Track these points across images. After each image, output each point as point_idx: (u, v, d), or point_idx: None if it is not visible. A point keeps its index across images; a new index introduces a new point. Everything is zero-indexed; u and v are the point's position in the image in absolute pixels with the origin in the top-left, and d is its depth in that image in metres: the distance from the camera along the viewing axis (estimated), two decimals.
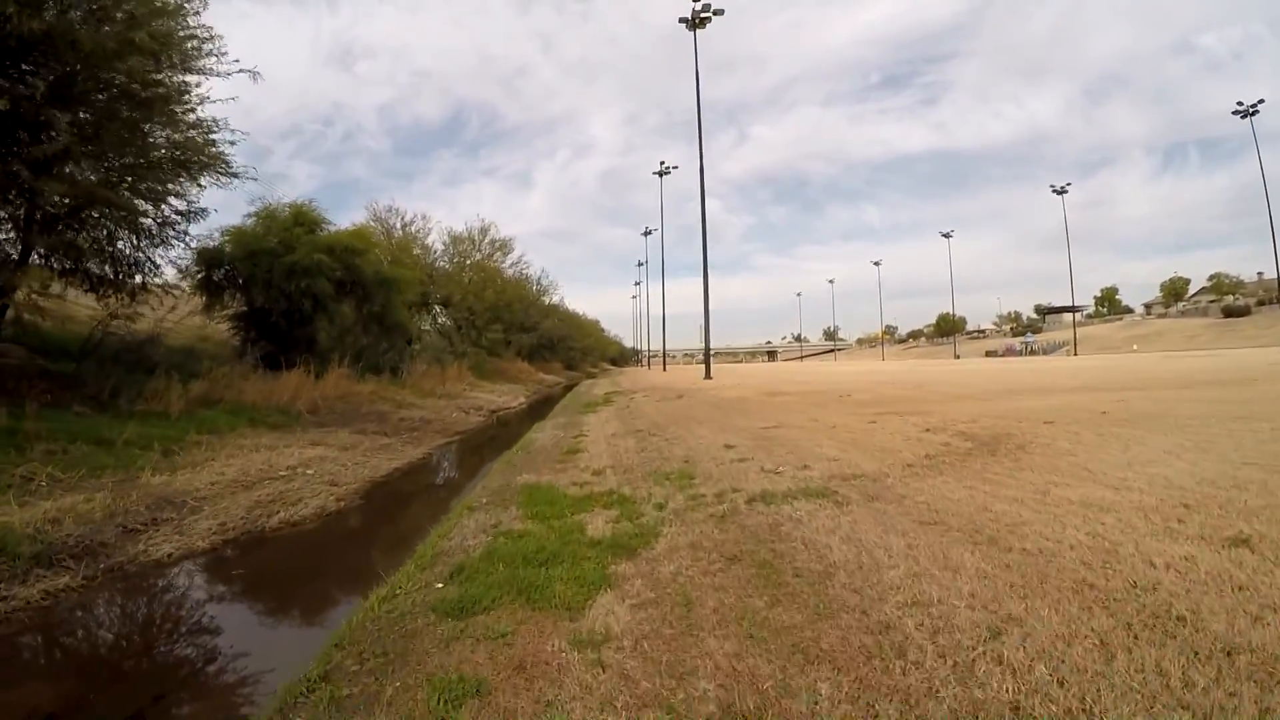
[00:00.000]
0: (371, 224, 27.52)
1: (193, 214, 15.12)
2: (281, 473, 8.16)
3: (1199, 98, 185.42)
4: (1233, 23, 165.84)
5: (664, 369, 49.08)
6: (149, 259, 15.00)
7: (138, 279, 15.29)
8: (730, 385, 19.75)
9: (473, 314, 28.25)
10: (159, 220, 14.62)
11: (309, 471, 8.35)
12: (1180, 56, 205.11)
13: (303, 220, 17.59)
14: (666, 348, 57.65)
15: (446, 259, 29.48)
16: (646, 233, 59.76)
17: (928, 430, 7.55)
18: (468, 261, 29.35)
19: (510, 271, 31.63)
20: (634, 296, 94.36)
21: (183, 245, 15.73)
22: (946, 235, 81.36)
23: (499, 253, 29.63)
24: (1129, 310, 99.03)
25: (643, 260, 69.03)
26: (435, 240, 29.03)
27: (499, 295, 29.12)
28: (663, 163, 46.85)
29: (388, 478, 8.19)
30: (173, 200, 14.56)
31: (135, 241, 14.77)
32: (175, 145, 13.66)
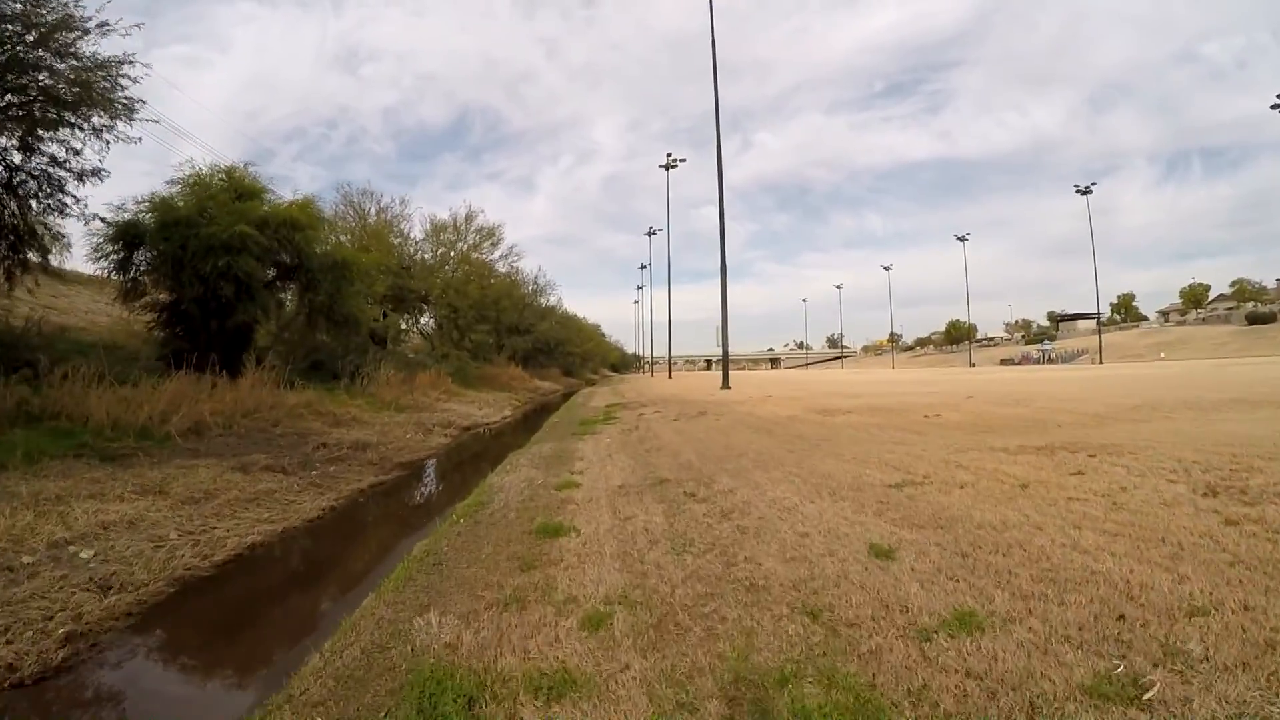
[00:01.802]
0: (343, 208, 24.00)
1: (89, 173, 12.06)
2: (29, 557, 4.55)
3: (1202, 106, 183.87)
4: (1236, 31, 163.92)
5: (669, 377, 45.41)
6: (28, 227, 11.77)
7: (19, 255, 12.10)
8: (758, 397, 16.11)
9: (455, 312, 24.55)
10: (38, 176, 11.41)
11: (85, 554, 4.74)
12: (1183, 65, 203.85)
13: (239, 188, 14.14)
14: (662, 353, 53.91)
15: (429, 249, 25.86)
16: (650, 233, 56.42)
17: (1211, 493, 3.95)
18: (451, 253, 25.68)
19: (501, 265, 27.92)
20: (635, 302, 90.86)
21: (79, 214, 12.58)
22: (962, 239, 78.01)
23: (487, 242, 25.89)
24: (1144, 318, 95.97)
25: (645, 263, 65.65)
26: (416, 229, 25.44)
27: (485, 291, 25.39)
28: (669, 154, 43.46)
29: (216, 573, 4.55)
30: (51, 148, 11.44)
31: (17, 208, 11.59)
32: (56, 75, 10.59)
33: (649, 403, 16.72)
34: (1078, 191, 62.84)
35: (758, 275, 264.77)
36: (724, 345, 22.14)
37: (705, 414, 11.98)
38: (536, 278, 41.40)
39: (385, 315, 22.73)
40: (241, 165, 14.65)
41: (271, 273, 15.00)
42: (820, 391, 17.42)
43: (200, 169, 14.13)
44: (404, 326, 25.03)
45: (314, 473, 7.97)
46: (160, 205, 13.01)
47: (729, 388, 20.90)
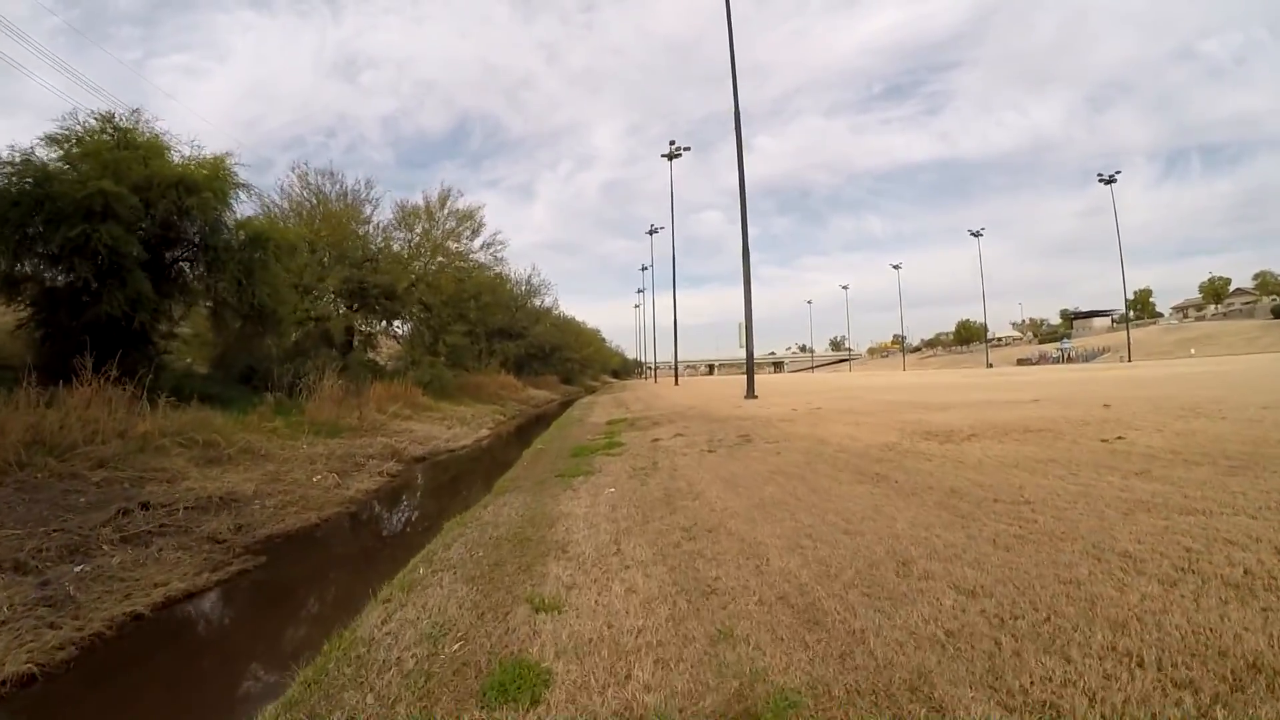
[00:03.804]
0: (301, 195, 20.41)
1: None
2: None
3: (1201, 104, 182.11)
4: (1234, 28, 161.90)
5: (675, 383, 41.78)
6: None
7: None
8: (804, 411, 12.50)
9: (429, 311, 20.96)
10: None
11: None
12: (1181, 62, 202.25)
13: (125, 141, 10.68)
14: (663, 359, 50.29)
15: (401, 239, 22.26)
16: (652, 231, 52.80)
17: None
18: (425, 242, 22.10)
19: (482, 256, 24.15)
20: (636, 306, 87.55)
21: None
22: (976, 234, 74.61)
23: (465, 228, 22.25)
24: (1159, 314, 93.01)
25: (647, 265, 62.17)
26: (386, 215, 21.87)
27: (462, 284, 21.72)
28: (672, 143, 39.91)
29: None
30: None
31: None
32: None
33: (663, 419, 13.10)
34: (1101, 181, 59.43)
35: (758, 279, 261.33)
36: (748, 346, 18.48)
37: (750, 439, 8.37)
38: (530, 277, 37.78)
39: (342, 313, 19.14)
40: (131, 112, 11.05)
41: (176, 253, 11.52)
42: (883, 401, 13.75)
43: (89, 122, 10.63)
44: (368, 328, 21.37)
45: (80, 568, 4.37)
46: (21, 165, 9.57)
47: (755, 396, 17.29)
